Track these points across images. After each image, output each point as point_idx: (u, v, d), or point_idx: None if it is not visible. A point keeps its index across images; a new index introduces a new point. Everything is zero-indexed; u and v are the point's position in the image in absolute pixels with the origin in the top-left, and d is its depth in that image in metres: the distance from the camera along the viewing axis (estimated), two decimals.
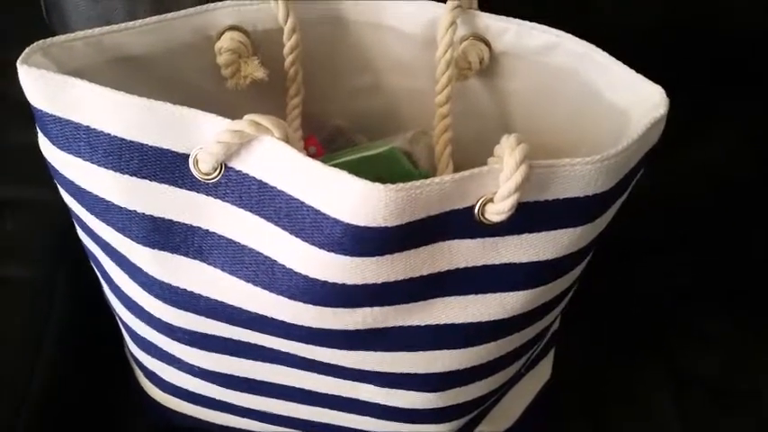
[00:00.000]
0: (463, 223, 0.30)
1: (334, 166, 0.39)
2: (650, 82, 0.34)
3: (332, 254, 0.30)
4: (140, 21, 0.36)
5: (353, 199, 0.28)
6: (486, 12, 0.39)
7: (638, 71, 0.34)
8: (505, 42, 0.39)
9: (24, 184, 0.49)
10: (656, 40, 0.54)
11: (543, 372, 0.49)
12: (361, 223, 0.28)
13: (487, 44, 0.39)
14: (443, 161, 0.40)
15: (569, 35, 0.37)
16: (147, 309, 0.37)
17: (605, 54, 0.36)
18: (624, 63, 0.35)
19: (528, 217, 0.31)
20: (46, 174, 0.37)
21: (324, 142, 0.46)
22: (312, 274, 0.31)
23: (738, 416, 0.51)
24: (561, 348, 0.50)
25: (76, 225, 0.39)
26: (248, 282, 0.33)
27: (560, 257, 0.33)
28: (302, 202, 0.30)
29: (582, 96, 0.37)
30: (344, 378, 0.38)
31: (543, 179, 0.29)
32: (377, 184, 0.28)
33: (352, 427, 0.42)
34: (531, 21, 0.38)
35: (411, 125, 0.44)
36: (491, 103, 0.42)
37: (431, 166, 0.42)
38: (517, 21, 0.38)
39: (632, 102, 0.34)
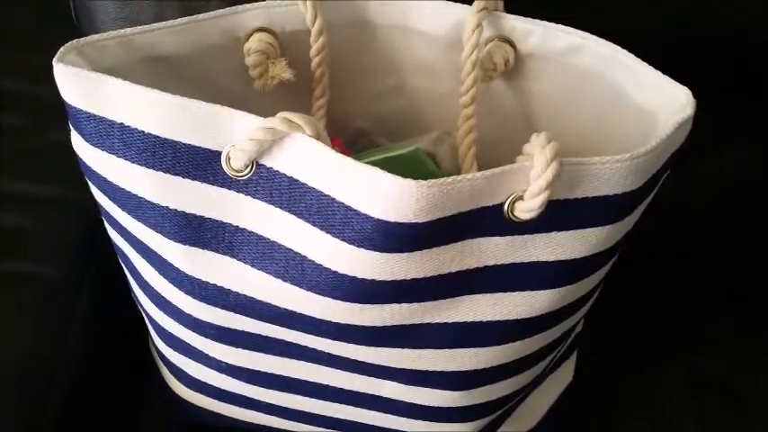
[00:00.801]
0: (493, 220, 0.31)
1: None
2: (677, 83, 0.34)
3: (362, 249, 0.30)
4: (171, 21, 0.37)
5: (385, 194, 0.28)
6: (511, 14, 0.39)
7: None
8: (531, 44, 0.39)
9: (51, 182, 0.50)
10: (673, 46, 0.54)
11: (566, 373, 0.49)
12: (392, 219, 0.29)
13: (513, 45, 0.39)
14: (468, 162, 0.41)
15: (595, 37, 0.37)
16: (175, 304, 0.38)
17: (631, 55, 0.36)
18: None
19: (557, 215, 0.31)
20: (76, 173, 0.37)
21: (347, 143, 0.47)
22: (342, 270, 0.31)
23: (755, 420, 0.51)
24: (582, 350, 0.50)
25: (106, 222, 0.39)
26: (278, 277, 0.34)
27: (588, 256, 0.33)
28: (333, 199, 0.30)
29: (608, 98, 0.37)
30: (370, 375, 0.38)
31: (573, 177, 0.30)
32: (408, 179, 0.28)
33: (377, 424, 0.43)
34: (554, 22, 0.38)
35: (434, 127, 0.44)
36: (516, 105, 0.42)
37: (454, 166, 0.42)
38: (543, 22, 0.38)
39: (659, 103, 0.35)
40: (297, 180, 0.31)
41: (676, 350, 0.54)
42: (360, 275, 0.31)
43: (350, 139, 0.47)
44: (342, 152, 0.45)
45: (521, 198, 0.30)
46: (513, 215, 0.30)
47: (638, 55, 0.36)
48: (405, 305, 0.33)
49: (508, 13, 0.39)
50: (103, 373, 0.47)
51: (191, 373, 0.43)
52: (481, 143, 0.41)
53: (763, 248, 0.61)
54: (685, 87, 0.34)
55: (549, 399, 0.48)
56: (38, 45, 0.50)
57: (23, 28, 0.51)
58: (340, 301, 0.33)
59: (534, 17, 0.39)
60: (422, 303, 0.33)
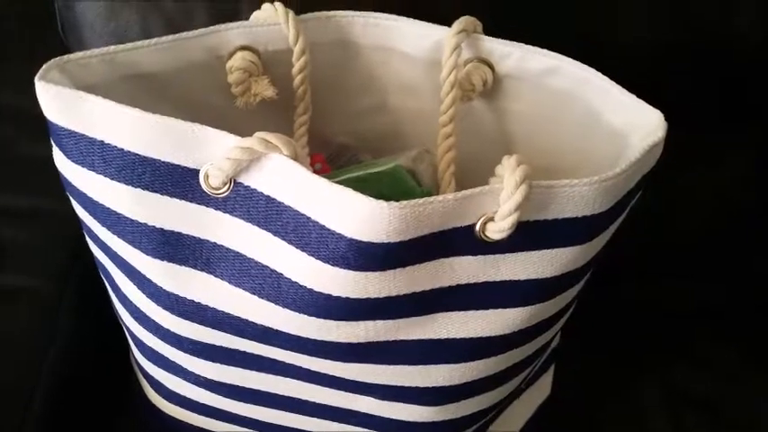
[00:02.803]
0: (465, 240, 0.31)
1: (339, 182, 0.40)
2: (649, 106, 0.35)
3: (336, 268, 0.31)
4: (155, 39, 0.38)
5: (358, 215, 0.29)
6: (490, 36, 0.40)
7: (647, 94, 0.35)
8: (509, 65, 0.40)
9: (37, 195, 0.50)
10: (668, 64, 0.55)
11: (543, 387, 0.49)
12: (365, 239, 0.29)
13: (491, 67, 0.40)
14: (446, 180, 0.41)
15: (571, 59, 0.38)
16: (154, 319, 0.38)
17: (605, 78, 0.37)
18: (634, 85, 0.36)
19: (528, 236, 0.31)
20: (58, 186, 0.38)
21: (329, 159, 0.47)
22: (317, 288, 0.32)
23: None
24: (560, 365, 0.50)
25: (87, 237, 0.40)
26: (254, 294, 0.34)
27: (559, 276, 0.33)
28: (308, 218, 0.31)
29: (583, 119, 0.38)
30: (347, 390, 0.38)
31: (543, 199, 0.30)
32: (381, 201, 0.29)
33: None
34: (538, 45, 0.39)
35: (415, 144, 0.45)
36: (494, 124, 0.43)
37: (434, 184, 0.43)
38: (520, 45, 0.39)
39: (631, 125, 0.35)
40: (274, 199, 0.32)
41: (657, 366, 0.55)
42: (335, 293, 0.32)
43: (332, 155, 0.48)
44: (323, 169, 0.46)
45: (492, 219, 0.30)
46: (485, 235, 0.31)
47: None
48: (379, 322, 0.33)
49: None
50: (84, 384, 0.47)
51: (170, 387, 0.43)
52: (460, 162, 0.42)
53: (747, 268, 0.62)
54: (657, 111, 0.34)
55: (526, 413, 0.48)
56: (26, 57, 0.50)
57: (11, 40, 0.51)
58: (315, 318, 0.33)
59: (541, 41, 0.39)
60: (396, 320, 0.34)
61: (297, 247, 0.32)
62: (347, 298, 0.32)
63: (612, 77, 0.37)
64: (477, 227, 0.31)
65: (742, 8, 0.54)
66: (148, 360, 0.43)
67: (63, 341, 0.45)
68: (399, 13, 0.41)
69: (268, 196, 0.32)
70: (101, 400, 0.48)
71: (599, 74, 0.37)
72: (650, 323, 0.58)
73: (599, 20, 0.53)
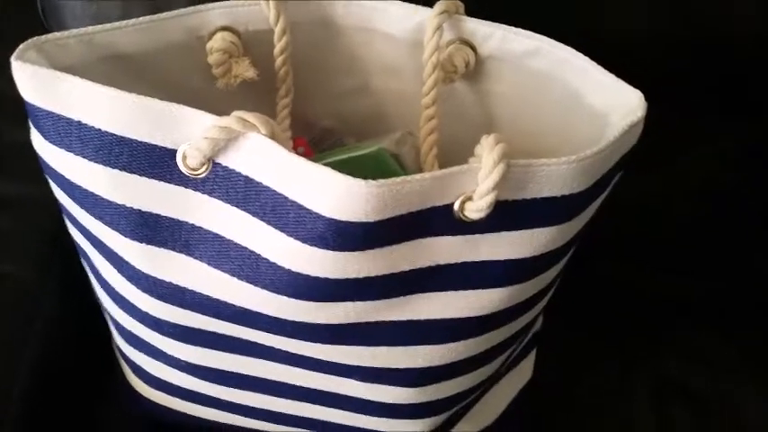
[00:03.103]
0: (443, 220, 0.31)
1: (324, 165, 0.40)
2: (629, 86, 0.35)
3: (315, 248, 0.31)
4: (133, 20, 0.37)
5: (336, 194, 0.29)
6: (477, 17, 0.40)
7: (636, 80, 0.35)
8: (491, 46, 0.40)
9: (18, 181, 0.50)
10: (657, 53, 0.55)
11: (524, 372, 0.50)
12: (343, 218, 0.29)
13: (473, 48, 0.40)
14: (429, 162, 0.41)
15: (552, 41, 0.38)
16: (133, 302, 0.38)
17: (586, 59, 0.37)
18: (624, 72, 0.36)
19: (506, 215, 0.31)
20: (39, 171, 0.38)
21: (313, 143, 0.47)
22: (295, 269, 0.32)
23: (718, 424, 0.52)
24: (542, 348, 0.51)
25: (66, 220, 0.40)
26: (233, 276, 0.34)
27: (538, 255, 0.33)
28: (286, 198, 0.31)
29: (564, 100, 0.38)
30: (327, 372, 0.39)
31: (521, 179, 0.30)
32: (359, 179, 0.28)
33: (338, 422, 0.43)
34: (529, 27, 0.39)
35: (399, 126, 0.45)
36: (477, 106, 0.43)
37: (417, 167, 0.43)
38: (502, 26, 0.39)
39: (611, 105, 0.35)
40: (252, 179, 0.32)
41: (640, 354, 0.55)
42: (313, 274, 0.32)
43: (316, 138, 0.48)
44: (306, 152, 0.46)
45: (470, 198, 0.30)
46: (464, 215, 0.31)
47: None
48: (359, 303, 0.33)
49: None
50: (66, 370, 0.47)
51: (151, 372, 0.43)
52: (444, 144, 0.41)
53: (731, 258, 0.62)
54: (637, 90, 0.34)
55: (507, 397, 0.48)
56: (4, 40, 0.49)
57: None
58: (295, 300, 0.33)
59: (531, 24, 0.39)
60: (375, 301, 0.34)
61: (275, 228, 0.32)
62: (326, 278, 0.32)
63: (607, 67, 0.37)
64: (456, 206, 0.31)
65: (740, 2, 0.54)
66: (129, 344, 0.43)
67: (43, 327, 0.45)
68: None
69: (246, 176, 0.32)
70: (82, 386, 0.48)
71: (579, 54, 0.37)
72: (634, 308, 0.58)
73: (596, 11, 0.53)
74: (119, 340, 0.44)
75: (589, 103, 0.37)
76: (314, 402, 0.42)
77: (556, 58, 0.38)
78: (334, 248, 0.30)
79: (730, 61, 0.56)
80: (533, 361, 0.51)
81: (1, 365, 0.43)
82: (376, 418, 0.41)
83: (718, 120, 0.58)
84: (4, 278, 0.45)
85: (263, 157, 0.31)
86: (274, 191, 0.31)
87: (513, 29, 0.38)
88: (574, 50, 0.37)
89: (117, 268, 0.37)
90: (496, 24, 0.39)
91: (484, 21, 0.39)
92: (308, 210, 0.30)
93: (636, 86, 0.35)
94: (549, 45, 0.38)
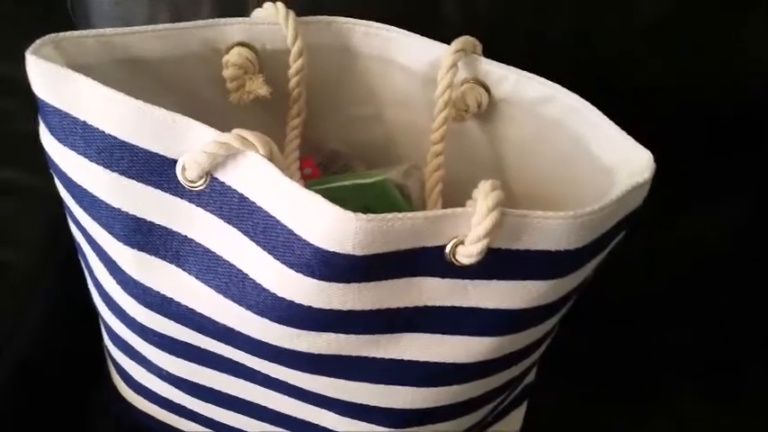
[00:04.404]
0: (434, 262, 0.31)
1: (327, 189, 0.40)
2: (639, 145, 0.34)
3: (300, 275, 0.30)
4: (153, 26, 0.38)
5: (325, 224, 0.28)
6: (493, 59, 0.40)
7: (646, 133, 0.34)
8: (504, 90, 0.39)
9: (31, 171, 0.50)
10: (671, 105, 0.55)
11: (513, 422, 0.48)
12: (330, 248, 0.29)
13: (487, 89, 0.40)
14: (433, 198, 0.41)
15: (565, 90, 0.37)
16: (122, 306, 0.38)
17: (598, 112, 0.36)
18: (634, 123, 0.35)
19: (498, 263, 0.31)
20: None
21: (321, 165, 0.47)
22: (280, 293, 0.31)
23: None
24: (533, 400, 0.49)
25: (68, 216, 0.40)
26: (219, 293, 0.34)
27: (529, 308, 0.33)
28: (278, 221, 0.30)
29: (572, 151, 0.38)
30: (307, 402, 0.38)
31: (515, 228, 0.30)
32: (348, 211, 0.28)
33: None
34: (538, 72, 0.39)
35: (408, 158, 0.45)
36: (486, 147, 0.42)
37: (422, 201, 0.42)
38: (517, 70, 0.38)
39: (619, 162, 0.35)
40: (246, 198, 0.31)
41: (629, 415, 0.53)
42: (297, 300, 0.31)
43: (325, 160, 0.48)
44: (313, 173, 0.46)
45: (462, 243, 0.30)
46: (455, 259, 0.30)
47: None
48: (342, 336, 0.33)
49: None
50: (51, 367, 0.46)
51: (135, 377, 0.43)
52: (450, 181, 0.41)
53: (728, 318, 0.60)
54: (647, 150, 0.34)
55: None
56: (34, 32, 0.50)
57: (24, 17, 0.52)
58: (277, 324, 0.33)
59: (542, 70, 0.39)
60: (359, 336, 0.33)
61: (264, 249, 0.31)
62: (309, 307, 0.31)
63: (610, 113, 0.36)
64: (448, 249, 0.30)
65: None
66: (117, 348, 0.42)
67: (37, 321, 0.45)
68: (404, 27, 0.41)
69: (241, 194, 0.31)
70: (68, 383, 0.48)
71: (592, 107, 0.36)
72: (631, 366, 0.56)
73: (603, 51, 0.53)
74: (108, 342, 0.44)
75: (598, 157, 0.36)
76: (292, 430, 0.41)
77: (568, 107, 0.37)
78: (319, 278, 0.30)
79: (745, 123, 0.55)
80: (524, 413, 0.50)
81: None
82: None
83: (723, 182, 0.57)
84: (4, 265, 0.45)
85: (258, 177, 0.31)
86: (267, 212, 0.31)
87: (527, 74, 0.38)
88: (586, 102, 0.36)
89: (109, 271, 0.37)
90: (511, 68, 0.38)
91: (499, 63, 0.39)
92: (296, 235, 0.30)
93: (642, 142, 0.34)
94: (562, 93, 0.37)
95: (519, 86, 0.39)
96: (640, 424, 0.52)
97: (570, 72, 0.40)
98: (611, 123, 0.35)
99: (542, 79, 0.38)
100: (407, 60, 0.41)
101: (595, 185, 0.36)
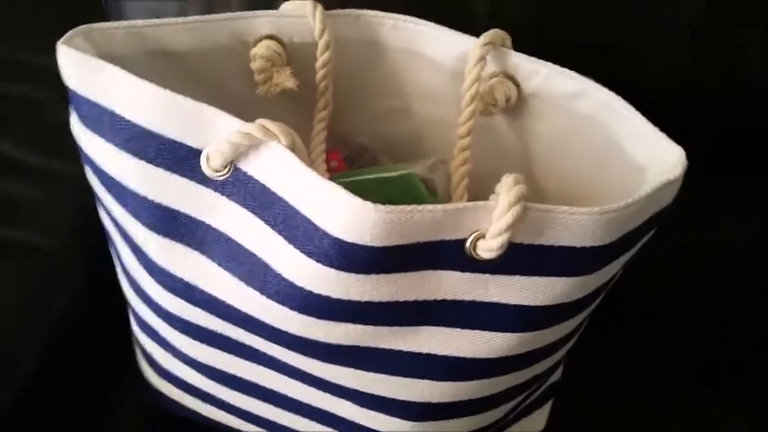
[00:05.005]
0: (454, 255, 0.30)
1: (352, 182, 0.40)
2: (671, 141, 0.33)
3: (319, 265, 0.30)
4: (183, 18, 0.38)
5: (343, 214, 0.28)
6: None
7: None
8: (534, 84, 0.39)
9: (64, 158, 0.51)
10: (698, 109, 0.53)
11: (536, 422, 0.48)
12: (349, 239, 0.29)
13: (516, 84, 0.39)
14: (458, 192, 0.40)
15: (598, 85, 0.37)
16: (148, 293, 0.38)
17: (631, 107, 0.35)
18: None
19: (520, 259, 0.30)
20: None
21: (348, 159, 0.47)
22: (299, 282, 0.31)
23: None
24: (558, 401, 0.48)
25: (97, 203, 0.41)
26: (241, 281, 0.34)
27: (552, 306, 0.32)
28: (297, 211, 0.30)
29: (603, 147, 0.37)
30: (325, 391, 0.38)
31: (539, 223, 0.29)
32: (367, 202, 0.28)
33: None
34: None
35: (435, 152, 0.44)
36: (514, 142, 0.42)
37: (448, 195, 0.42)
38: (548, 64, 0.38)
39: (650, 159, 0.34)
40: (268, 188, 0.32)
41: (657, 419, 0.52)
42: (315, 290, 0.31)
43: (352, 154, 0.48)
44: (339, 167, 0.46)
45: (483, 236, 0.29)
46: (475, 253, 0.30)
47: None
48: (359, 326, 0.33)
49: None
50: (80, 350, 0.47)
51: (162, 363, 0.44)
52: (477, 176, 0.41)
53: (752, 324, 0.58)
54: (679, 147, 0.33)
55: None
56: (66, 21, 0.51)
57: (57, 8, 0.53)
58: (296, 313, 0.33)
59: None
60: (377, 327, 0.33)
61: (285, 239, 0.31)
62: (328, 297, 0.31)
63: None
64: (468, 243, 0.30)
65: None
66: (145, 334, 0.43)
67: (65, 304, 0.46)
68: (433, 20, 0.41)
69: (263, 185, 0.32)
70: (95, 366, 0.49)
71: (624, 102, 0.35)
72: (660, 370, 0.55)
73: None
74: (135, 328, 0.45)
75: (629, 154, 0.35)
76: (311, 419, 0.41)
77: (600, 102, 0.36)
78: (338, 268, 0.30)
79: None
80: (548, 412, 0.49)
81: (17, 332, 0.43)
82: None
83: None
84: (35, 250, 0.46)
85: (279, 167, 0.31)
86: (287, 202, 0.31)
87: (558, 68, 0.37)
88: (618, 97, 0.36)
89: (137, 257, 0.38)
90: (542, 62, 0.38)
91: (529, 57, 0.38)
92: (315, 226, 0.30)
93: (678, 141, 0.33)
94: (594, 88, 0.37)
95: (550, 81, 0.38)
96: (665, 423, 0.51)
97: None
98: (644, 119, 0.34)
99: (574, 74, 0.37)
100: (436, 54, 0.41)
101: (626, 182, 0.35)
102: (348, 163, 0.47)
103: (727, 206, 0.58)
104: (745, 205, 0.58)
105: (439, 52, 0.41)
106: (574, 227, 0.29)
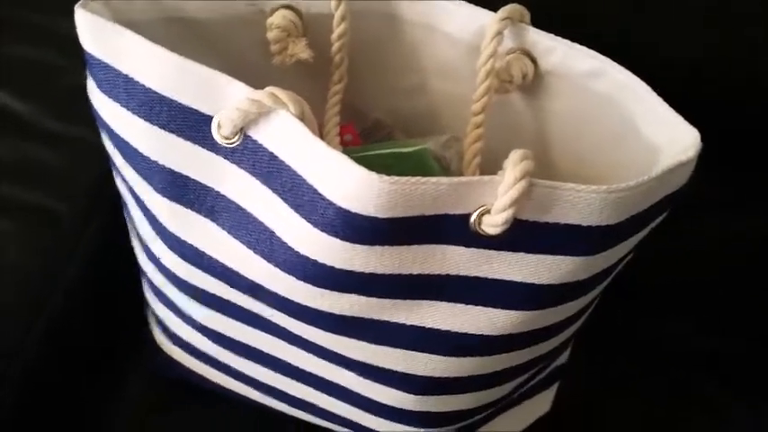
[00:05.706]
0: (458, 230, 0.30)
1: (365, 156, 0.40)
2: (687, 123, 0.32)
3: (324, 234, 0.30)
4: None
5: (348, 184, 0.28)
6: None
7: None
8: (552, 61, 0.38)
9: (81, 123, 0.51)
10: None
11: (541, 404, 0.48)
12: (353, 209, 0.29)
13: (534, 61, 0.38)
14: (470, 170, 0.40)
15: (617, 64, 0.36)
16: (158, 256, 0.39)
17: (648, 88, 0.34)
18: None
19: (526, 236, 0.30)
20: None
21: (363, 133, 0.47)
22: (303, 251, 0.31)
23: None
24: (565, 383, 0.48)
25: (112, 168, 0.41)
26: (249, 248, 0.34)
27: (557, 284, 0.32)
28: (304, 179, 0.30)
29: (619, 127, 0.36)
30: (329, 360, 0.38)
31: (545, 200, 0.29)
32: (372, 173, 0.28)
33: (341, 414, 0.43)
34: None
35: (450, 129, 0.44)
36: (530, 121, 0.41)
37: (460, 173, 0.42)
38: (566, 41, 0.37)
39: (667, 141, 0.33)
40: (276, 156, 0.32)
41: (665, 408, 0.52)
42: (320, 260, 0.31)
43: (367, 129, 0.48)
44: (354, 141, 0.45)
45: (489, 212, 0.29)
46: (480, 228, 0.30)
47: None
48: (363, 298, 0.33)
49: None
50: (93, 312, 0.48)
51: (170, 326, 0.44)
52: (491, 154, 0.40)
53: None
54: (694, 129, 0.32)
55: (518, 425, 0.46)
56: None
57: None
58: (302, 282, 0.33)
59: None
60: (381, 299, 0.33)
61: (291, 208, 0.31)
62: (332, 267, 0.31)
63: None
64: (473, 218, 0.29)
65: None
66: (154, 296, 0.44)
67: (78, 267, 0.47)
68: None
69: (271, 152, 0.32)
70: (106, 328, 0.50)
71: (642, 82, 0.34)
72: (664, 358, 0.54)
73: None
74: (148, 294, 0.46)
75: (644, 134, 0.35)
76: (315, 388, 0.42)
77: (618, 82, 0.36)
78: (342, 238, 0.30)
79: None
80: (554, 394, 0.49)
81: (29, 295, 0.44)
82: (377, 419, 0.41)
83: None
84: (50, 213, 0.47)
85: (287, 135, 0.31)
86: (294, 171, 0.31)
87: (576, 45, 0.37)
88: (637, 77, 0.35)
89: (149, 221, 0.38)
90: (560, 39, 0.37)
91: (548, 34, 0.37)
92: (321, 195, 0.30)
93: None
94: (613, 68, 0.36)
95: (568, 59, 0.37)
96: (670, 408, 0.50)
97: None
98: (660, 100, 0.34)
99: (593, 52, 0.36)
100: (452, 28, 0.40)
101: (641, 163, 0.34)
102: (364, 137, 0.47)
103: (731, 197, 0.56)
104: (748, 197, 0.56)
105: (455, 26, 0.40)
106: (580, 204, 0.29)
